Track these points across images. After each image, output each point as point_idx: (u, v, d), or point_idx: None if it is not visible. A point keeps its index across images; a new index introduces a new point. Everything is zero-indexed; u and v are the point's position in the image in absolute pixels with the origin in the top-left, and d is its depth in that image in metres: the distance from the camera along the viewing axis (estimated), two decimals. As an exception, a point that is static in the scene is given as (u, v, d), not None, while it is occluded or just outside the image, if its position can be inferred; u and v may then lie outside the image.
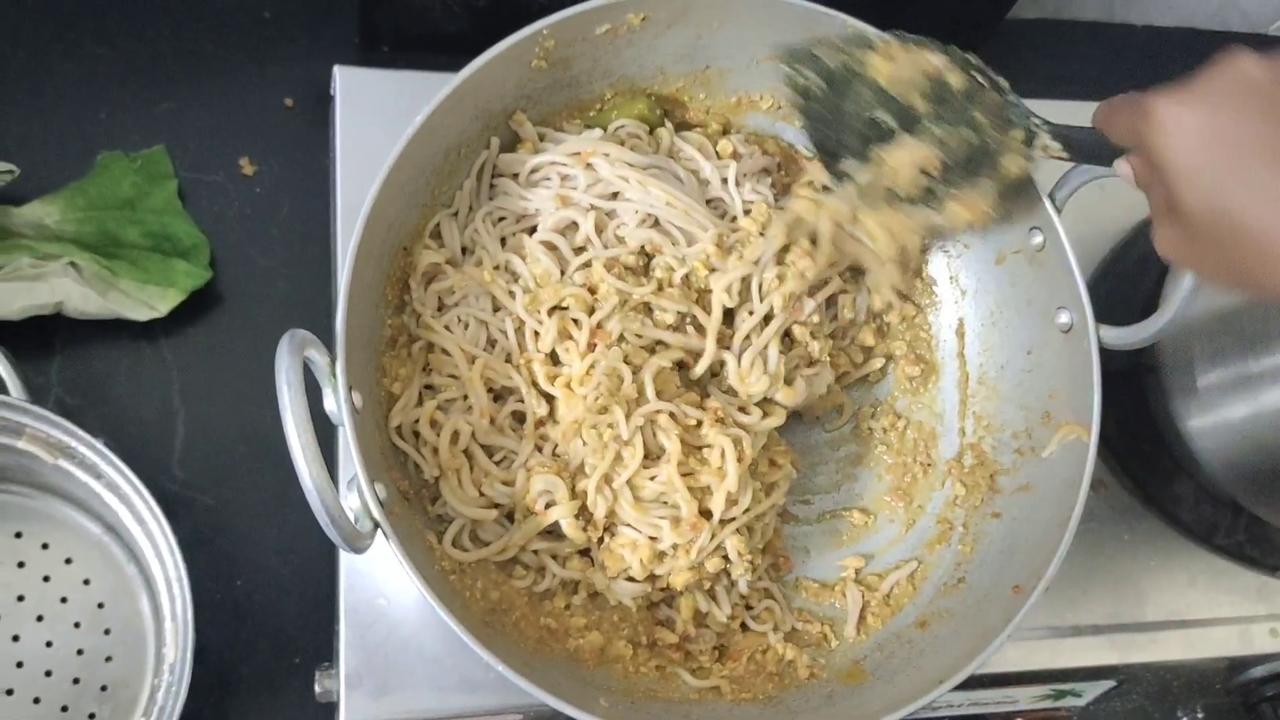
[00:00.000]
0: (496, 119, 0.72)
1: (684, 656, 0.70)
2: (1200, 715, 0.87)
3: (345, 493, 0.57)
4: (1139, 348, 0.68)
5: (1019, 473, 0.72)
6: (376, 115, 0.77)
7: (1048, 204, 0.69)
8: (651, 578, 0.69)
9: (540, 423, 0.69)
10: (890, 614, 0.73)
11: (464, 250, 0.73)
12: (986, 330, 0.78)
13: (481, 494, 0.68)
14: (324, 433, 0.55)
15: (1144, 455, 0.82)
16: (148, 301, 0.78)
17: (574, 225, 0.72)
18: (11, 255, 0.75)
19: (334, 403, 0.59)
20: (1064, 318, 0.70)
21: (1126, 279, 0.85)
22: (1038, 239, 0.71)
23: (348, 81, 0.79)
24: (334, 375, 0.59)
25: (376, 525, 0.58)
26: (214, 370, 0.80)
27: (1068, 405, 0.69)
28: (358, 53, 0.89)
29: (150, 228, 0.81)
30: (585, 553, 0.70)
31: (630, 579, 0.69)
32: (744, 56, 0.75)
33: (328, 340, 0.59)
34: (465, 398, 0.69)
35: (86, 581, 0.73)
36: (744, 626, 0.72)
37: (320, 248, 0.82)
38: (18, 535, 0.73)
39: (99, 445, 0.67)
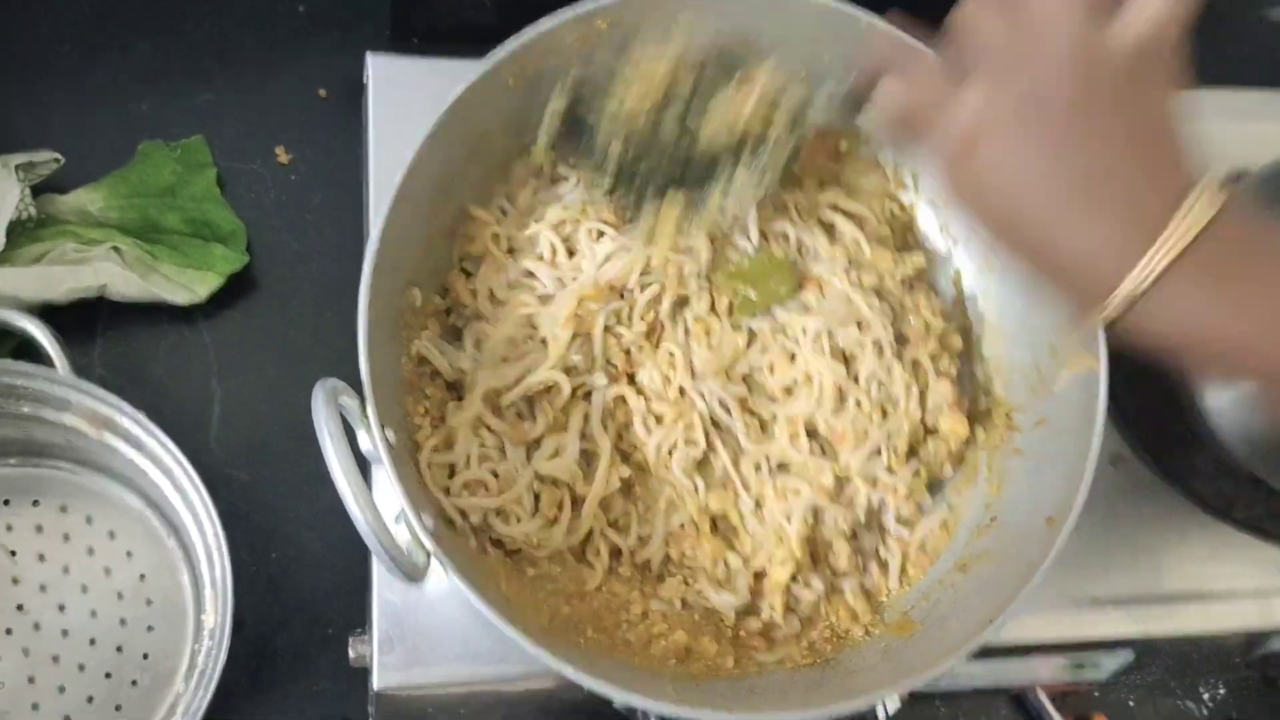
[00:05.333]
0: (480, 142, 0.72)
1: (768, 644, 0.70)
2: (1222, 691, 0.87)
3: (393, 527, 0.57)
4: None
5: (1033, 409, 0.73)
6: (408, 102, 0.79)
7: None
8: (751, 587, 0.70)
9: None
10: (929, 562, 0.73)
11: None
12: (982, 275, 0.79)
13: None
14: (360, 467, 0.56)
15: (1162, 429, 0.82)
16: (187, 285, 0.80)
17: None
18: (57, 241, 0.78)
19: (369, 442, 0.60)
20: None
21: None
22: None
23: (380, 69, 0.81)
24: (365, 417, 0.59)
25: (429, 554, 0.59)
26: (250, 352, 0.82)
27: (1073, 337, 0.70)
28: (389, 45, 0.91)
29: (190, 214, 0.83)
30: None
31: (724, 585, 0.70)
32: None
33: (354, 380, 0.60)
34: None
35: (129, 554, 0.75)
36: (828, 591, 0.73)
37: (354, 233, 0.84)
38: (63, 509, 0.75)
39: (142, 418, 0.69)
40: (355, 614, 0.76)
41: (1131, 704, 0.86)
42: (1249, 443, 0.76)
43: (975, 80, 0.48)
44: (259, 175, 0.87)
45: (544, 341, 0.71)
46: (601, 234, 0.72)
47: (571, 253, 0.73)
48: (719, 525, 0.72)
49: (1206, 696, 0.87)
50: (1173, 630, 0.80)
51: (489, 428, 0.69)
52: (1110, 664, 0.81)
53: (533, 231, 0.73)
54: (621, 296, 0.72)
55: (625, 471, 0.70)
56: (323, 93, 0.90)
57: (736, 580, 0.70)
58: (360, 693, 0.74)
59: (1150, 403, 0.82)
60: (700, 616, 0.70)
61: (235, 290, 0.82)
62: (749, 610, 0.71)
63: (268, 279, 0.84)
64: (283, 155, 0.87)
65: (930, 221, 0.81)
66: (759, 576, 0.71)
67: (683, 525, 0.70)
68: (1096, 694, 0.86)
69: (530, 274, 0.72)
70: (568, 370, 0.70)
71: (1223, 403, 0.75)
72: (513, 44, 0.68)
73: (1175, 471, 0.83)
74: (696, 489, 0.70)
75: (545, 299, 0.72)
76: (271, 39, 0.91)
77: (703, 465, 0.71)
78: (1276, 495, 0.81)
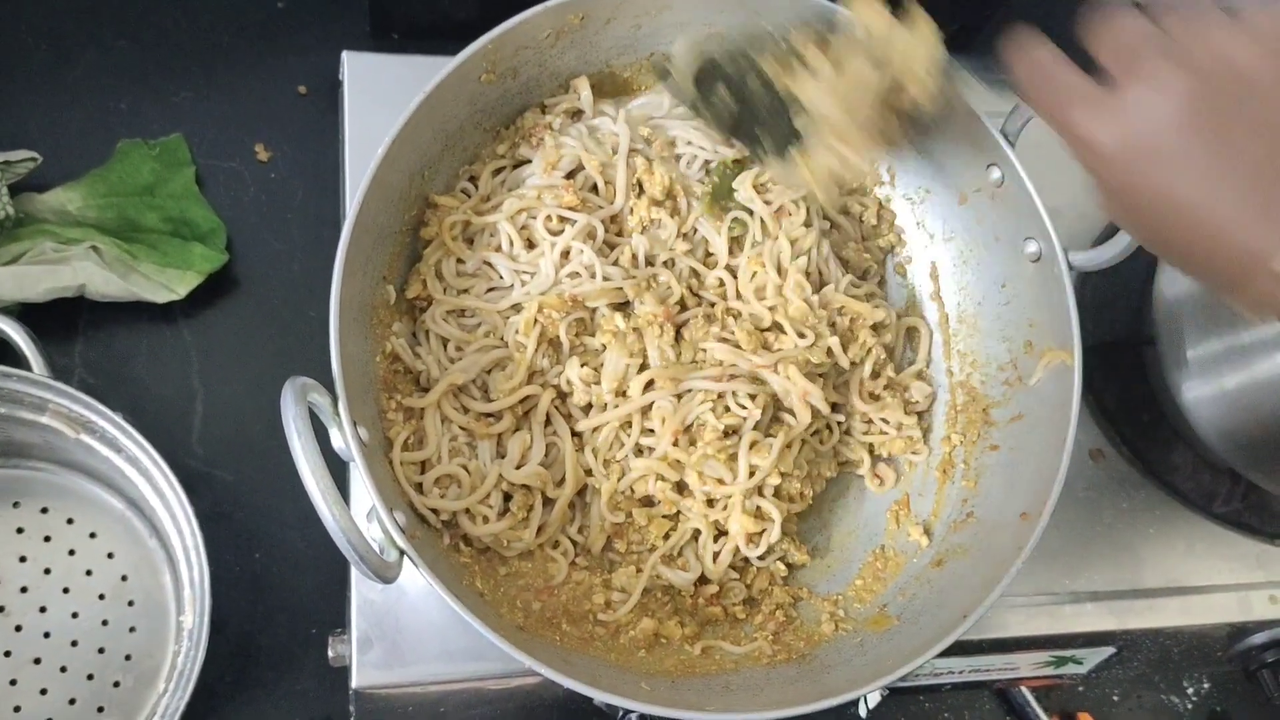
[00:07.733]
0: (453, 138, 0.72)
1: (723, 613, 0.71)
2: (1206, 685, 0.87)
3: (365, 525, 0.57)
4: (1107, 266, 0.69)
5: (1010, 404, 0.73)
6: (384, 99, 0.79)
7: (1000, 139, 0.70)
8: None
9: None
10: (906, 557, 0.74)
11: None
12: (959, 269, 0.79)
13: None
14: (334, 465, 0.55)
15: (1142, 425, 0.83)
16: (167, 284, 0.80)
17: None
18: (36, 240, 0.77)
19: (341, 441, 0.59)
20: (1032, 247, 0.71)
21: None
22: (996, 174, 0.72)
23: (355, 66, 0.81)
24: (337, 415, 0.59)
25: (402, 553, 0.58)
26: (231, 350, 0.82)
27: (1048, 332, 0.70)
28: (369, 41, 0.91)
29: (169, 213, 0.83)
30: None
31: (674, 562, 0.71)
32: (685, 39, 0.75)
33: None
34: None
35: (110, 555, 0.75)
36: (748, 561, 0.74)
37: (333, 230, 0.84)
38: (44, 510, 0.75)
39: (119, 420, 0.69)
40: (338, 613, 0.76)
41: (1116, 698, 0.86)
42: (1228, 438, 0.76)
43: (1133, 83, 0.48)
44: (238, 173, 0.87)
45: (491, 333, 0.71)
46: (563, 219, 0.72)
47: (531, 244, 0.73)
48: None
49: (1190, 690, 0.87)
50: (1152, 624, 0.80)
51: (454, 421, 0.69)
52: (1092, 659, 0.81)
53: (490, 221, 0.73)
54: (585, 306, 0.72)
55: (588, 463, 0.70)
56: (302, 89, 0.89)
57: (685, 553, 0.71)
58: (343, 692, 0.74)
59: (1131, 399, 0.82)
60: (662, 593, 0.71)
61: (215, 289, 0.82)
62: (702, 580, 0.72)
63: (248, 277, 0.84)
64: (262, 153, 0.87)
65: (907, 216, 0.81)
66: (697, 537, 0.72)
67: (619, 505, 0.71)
68: (1080, 689, 0.86)
69: (488, 264, 0.73)
70: (533, 374, 0.70)
71: (1202, 399, 0.75)
72: (485, 39, 0.68)
73: (1155, 466, 0.83)
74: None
75: (500, 292, 0.72)
76: (250, 36, 0.91)
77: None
78: (1255, 489, 0.82)
